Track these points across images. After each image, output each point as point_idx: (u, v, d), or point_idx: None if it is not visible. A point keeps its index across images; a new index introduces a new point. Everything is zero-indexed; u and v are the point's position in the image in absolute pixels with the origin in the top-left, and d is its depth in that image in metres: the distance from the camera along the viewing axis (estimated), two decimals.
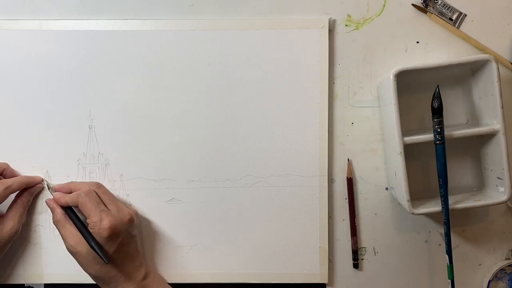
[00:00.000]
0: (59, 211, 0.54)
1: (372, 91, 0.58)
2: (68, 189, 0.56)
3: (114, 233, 0.51)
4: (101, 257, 0.50)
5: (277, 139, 0.58)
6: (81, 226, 0.53)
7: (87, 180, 0.58)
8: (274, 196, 0.59)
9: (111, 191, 0.58)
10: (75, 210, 0.55)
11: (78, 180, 0.58)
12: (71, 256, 0.54)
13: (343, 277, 0.60)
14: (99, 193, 0.54)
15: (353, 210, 0.59)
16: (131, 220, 0.54)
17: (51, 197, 0.56)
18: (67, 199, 0.54)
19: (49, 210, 0.57)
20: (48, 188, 0.57)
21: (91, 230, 0.52)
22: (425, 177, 0.58)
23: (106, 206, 0.53)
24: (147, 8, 0.58)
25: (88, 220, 0.52)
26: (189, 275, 0.60)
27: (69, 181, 0.58)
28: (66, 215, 0.54)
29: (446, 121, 0.53)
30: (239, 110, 0.58)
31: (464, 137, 0.53)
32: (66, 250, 0.54)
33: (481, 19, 0.57)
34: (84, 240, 0.52)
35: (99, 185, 0.56)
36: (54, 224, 0.55)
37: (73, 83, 0.58)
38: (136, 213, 0.57)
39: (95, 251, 0.51)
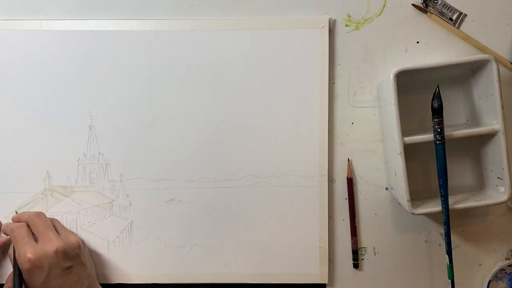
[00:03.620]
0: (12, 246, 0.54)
1: (372, 91, 0.58)
2: (16, 219, 0.56)
3: (36, 266, 0.50)
4: None
5: (277, 139, 0.58)
6: (15, 262, 0.52)
7: (87, 180, 0.58)
8: (274, 196, 0.59)
9: (111, 192, 0.59)
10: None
11: (79, 181, 0.58)
12: None
13: (343, 277, 0.60)
14: (34, 223, 0.54)
15: (353, 210, 0.59)
16: (57, 252, 0.51)
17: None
18: (3, 229, 0.56)
19: (50, 210, 0.58)
20: None
21: (18, 263, 0.51)
22: (425, 177, 0.58)
23: (37, 237, 0.53)
24: (147, 8, 0.58)
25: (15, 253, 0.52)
26: (189, 275, 0.60)
27: (69, 181, 0.58)
28: None
29: (446, 121, 0.53)
30: (239, 110, 0.58)
31: (464, 137, 0.53)
32: None
33: (481, 19, 0.57)
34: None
35: (38, 214, 0.55)
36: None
37: (73, 83, 0.58)
38: (76, 243, 0.54)
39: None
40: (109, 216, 0.59)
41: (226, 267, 0.59)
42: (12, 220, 0.57)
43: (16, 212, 0.58)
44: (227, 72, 0.58)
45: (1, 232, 0.57)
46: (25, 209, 0.59)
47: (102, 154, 0.59)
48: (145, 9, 0.58)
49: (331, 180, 0.59)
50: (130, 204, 0.59)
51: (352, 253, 0.60)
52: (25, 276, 0.51)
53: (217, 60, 0.57)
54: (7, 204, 0.59)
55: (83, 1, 0.58)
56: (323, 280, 0.59)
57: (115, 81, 0.58)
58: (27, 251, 0.50)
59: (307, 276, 0.59)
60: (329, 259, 0.60)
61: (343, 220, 0.59)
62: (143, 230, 0.59)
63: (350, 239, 0.60)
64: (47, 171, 0.58)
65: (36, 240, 0.53)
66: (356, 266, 0.60)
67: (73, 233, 0.57)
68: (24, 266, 0.50)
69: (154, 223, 0.59)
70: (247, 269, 0.59)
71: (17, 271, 0.52)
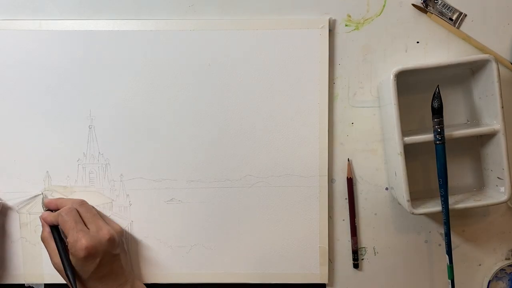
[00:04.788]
0: (46, 229, 0.55)
1: (372, 91, 0.58)
2: (55, 206, 0.56)
3: (91, 254, 0.51)
4: (70, 282, 0.51)
5: (277, 139, 0.58)
6: (61, 247, 0.53)
7: (87, 180, 0.59)
8: (274, 196, 0.59)
9: (111, 192, 0.59)
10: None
11: (79, 181, 0.58)
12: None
13: (343, 277, 0.60)
14: (81, 211, 0.54)
15: (353, 210, 0.59)
16: (110, 240, 0.53)
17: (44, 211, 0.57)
18: (51, 217, 0.54)
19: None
20: (42, 203, 0.58)
21: (69, 250, 0.52)
22: (425, 177, 0.58)
23: (86, 225, 0.53)
24: (147, 8, 0.58)
25: (67, 240, 0.52)
26: (189, 275, 0.60)
27: (69, 181, 0.58)
28: (51, 234, 0.54)
29: (446, 121, 0.53)
30: (239, 110, 0.58)
31: (464, 137, 0.53)
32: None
33: (481, 19, 0.57)
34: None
35: (82, 203, 0.56)
36: (41, 240, 0.55)
37: (73, 83, 0.58)
38: (121, 231, 0.56)
39: (66, 275, 0.51)
40: (109, 216, 0.59)
41: (226, 267, 0.59)
42: (47, 205, 0.57)
43: (44, 196, 0.58)
44: (227, 72, 0.57)
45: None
46: (25, 209, 0.59)
47: (102, 154, 0.58)
48: (145, 9, 0.58)
49: (331, 180, 0.59)
50: (130, 204, 0.59)
51: (352, 253, 0.60)
52: (75, 262, 0.51)
53: (217, 60, 0.57)
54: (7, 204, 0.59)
55: (83, 1, 0.58)
56: (323, 280, 0.59)
57: (115, 81, 0.58)
58: (83, 239, 0.51)
59: (307, 276, 0.59)
60: (329, 259, 0.60)
61: (343, 220, 0.59)
62: (143, 230, 0.59)
63: (350, 239, 0.60)
64: (47, 171, 0.59)
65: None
66: (356, 266, 0.60)
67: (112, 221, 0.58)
68: (79, 254, 0.50)
69: (154, 223, 0.59)
70: (247, 269, 0.59)
71: (66, 256, 0.52)
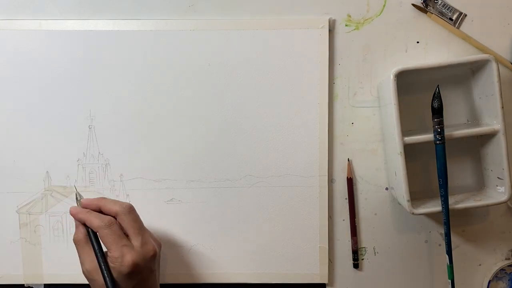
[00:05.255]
0: (81, 230, 0.50)
1: (372, 91, 0.58)
2: (96, 207, 0.51)
3: (136, 271, 0.47)
4: None
5: (277, 139, 0.58)
6: (101, 255, 0.48)
7: (87, 180, 0.58)
8: (274, 196, 0.59)
9: (111, 192, 0.59)
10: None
11: (79, 181, 0.58)
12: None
13: (343, 277, 0.60)
14: (126, 222, 0.49)
15: (353, 210, 0.59)
16: (154, 256, 0.49)
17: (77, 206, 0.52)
18: (88, 222, 0.49)
19: (49, 210, 0.57)
20: (76, 200, 0.53)
21: (110, 265, 0.48)
22: (425, 177, 0.58)
23: (130, 239, 0.49)
24: (147, 8, 0.58)
25: (108, 254, 0.48)
26: (189, 275, 0.60)
27: (69, 181, 0.58)
28: (87, 236, 0.50)
29: (446, 121, 0.53)
30: (239, 110, 0.58)
31: (464, 137, 0.53)
32: (76, 260, 0.50)
33: (481, 19, 0.57)
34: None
35: (130, 210, 0.50)
36: (73, 242, 0.50)
37: (73, 83, 0.58)
38: (160, 246, 0.54)
39: (107, 287, 0.47)
40: None
41: (226, 267, 0.59)
42: (86, 206, 0.51)
43: (78, 195, 0.53)
44: (227, 72, 0.57)
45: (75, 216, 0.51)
46: (24, 210, 0.59)
47: (102, 154, 0.58)
48: (145, 9, 0.58)
49: (331, 180, 0.59)
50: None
51: (352, 253, 0.60)
52: (116, 277, 0.47)
53: (217, 60, 0.57)
54: (7, 204, 0.59)
55: (83, 1, 0.58)
56: (323, 280, 0.59)
57: (115, 81, 0.58)
58: (128, 255, 0.47)
59: (307, 276, 0.59)
60: (329, 259, 0.60)
61: (343, 220, 0.59)
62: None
63: (350, 239, 0.60)
64: (47, 171, 0.58)
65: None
66: (356, 266, 0.60)
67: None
68: (123, 270, 0.47)
69: (154, 223, 0.59)
70: (247, 269, 0.59)
71: (107, 266, 0.48)
